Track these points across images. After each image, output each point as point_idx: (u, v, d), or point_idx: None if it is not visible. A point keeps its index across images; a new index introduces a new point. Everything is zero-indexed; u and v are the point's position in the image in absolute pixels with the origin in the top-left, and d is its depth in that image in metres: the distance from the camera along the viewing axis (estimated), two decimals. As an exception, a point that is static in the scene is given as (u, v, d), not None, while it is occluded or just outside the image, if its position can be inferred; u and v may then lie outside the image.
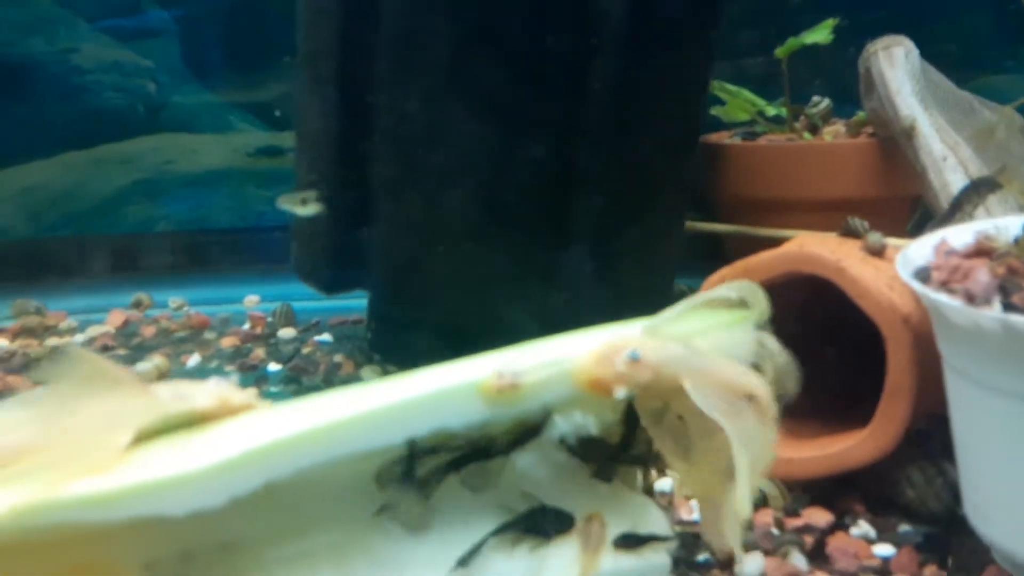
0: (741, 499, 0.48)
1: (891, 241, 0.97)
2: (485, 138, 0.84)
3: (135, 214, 1.29)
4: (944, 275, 0.64)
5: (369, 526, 0.51)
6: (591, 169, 0.87)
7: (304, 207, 0.90)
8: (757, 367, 0.51)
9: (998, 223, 0.69)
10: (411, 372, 0.51)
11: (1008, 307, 0.56)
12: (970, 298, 0.59)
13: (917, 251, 0.68)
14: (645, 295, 0.95)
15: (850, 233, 1.01)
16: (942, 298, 0.59)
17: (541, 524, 0.52)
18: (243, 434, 0.46)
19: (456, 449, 0.49)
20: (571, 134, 0.86)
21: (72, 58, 1.24)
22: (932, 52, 1.17)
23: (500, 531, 0.51)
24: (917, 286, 0.62)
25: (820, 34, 1.01)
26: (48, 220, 1.27)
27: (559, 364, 0.49)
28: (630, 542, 0.54)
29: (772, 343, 0.52)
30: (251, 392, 0.48)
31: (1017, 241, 0.63)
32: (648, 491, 0.57)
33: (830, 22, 1.02)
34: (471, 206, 0.85)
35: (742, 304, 0.52)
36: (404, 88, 0.85)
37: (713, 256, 1.04)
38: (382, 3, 0.85)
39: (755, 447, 0.50)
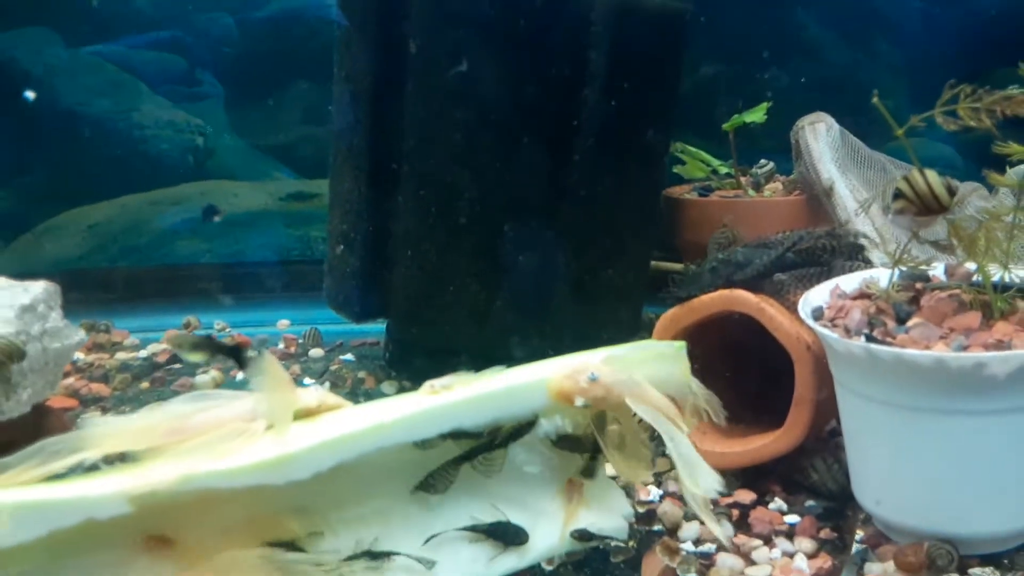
0: (686, 479, 0.69)
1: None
2: (486, 202, 1.05)
3: (184, 248, 1.51)
4: (832, 313, 0.85)
5: (408, 499, 0.72)
6: (574, 224, 1.09)
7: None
8: (678, 393, 0.73)
9: (878, 273, 0.91)
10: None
11: (870, 338, 0.77)
12: (847, 331, 0.81)
13: (817, 293, 0.90)
14: (618, 323, 1.16)
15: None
16: (826, 331, 0.81)
17: (502, 534, 0.73)
18: (326, 427, 0.67)
19: (474, 438, 0.71)
20: (557, 197, 1.08)
21: (134, 116, 1.46)
22: (856, 118, 1.40)
23: (469, 529, 0.72)
24: (810, 322, 0.83)
25: (756, 115, 1.24)
26: (111, 252, 1.48)
27: (538, 378, 0.71)
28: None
29: (693, 381, 0.74)
30: (338, 397, 0.70)
31: (886, 288, 0.85)
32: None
33: (764, 105, 1.25)
34: (474, 254, 1.07)
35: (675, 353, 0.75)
36: (421, 160, 1.06)
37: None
38: (404, 92, 1.07)
39: (675, 444, 0.72)
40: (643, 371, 0.73)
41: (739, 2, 1.51)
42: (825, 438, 1.00)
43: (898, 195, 0.80)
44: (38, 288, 0.92)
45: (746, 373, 1.01)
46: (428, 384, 0.71)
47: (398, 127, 1.08)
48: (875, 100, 0.76)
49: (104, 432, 0.65)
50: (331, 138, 1.17)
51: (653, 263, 1.27)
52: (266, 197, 1.54)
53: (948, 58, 1.51)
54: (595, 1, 1.03)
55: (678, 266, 1.36)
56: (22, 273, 1.44)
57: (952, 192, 0.76)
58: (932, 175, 0.77)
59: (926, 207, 0.77)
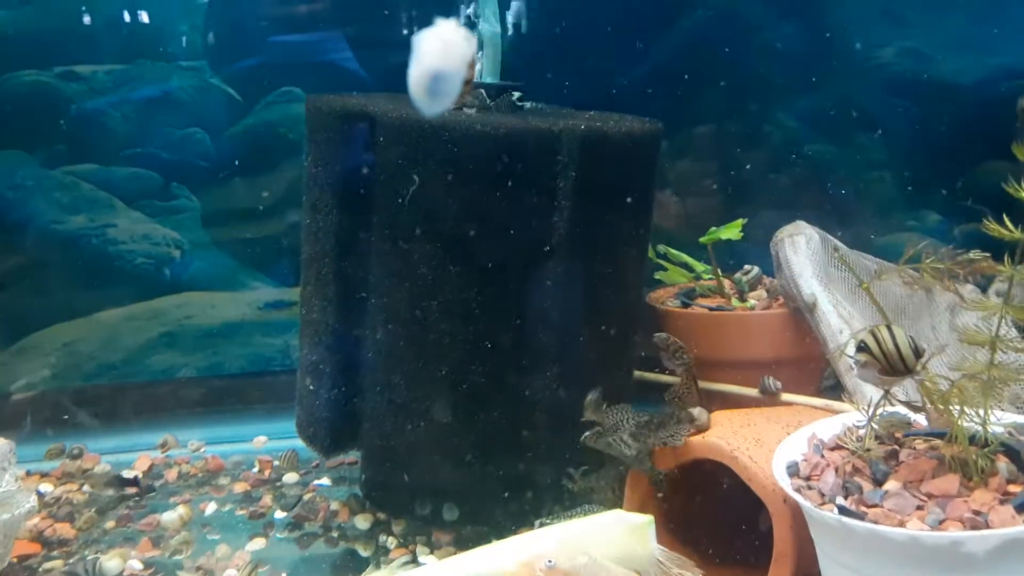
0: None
1: (791, 397, 1.17)
2: (458, 334, 1.02)
3: (160, 362, 1.49)
4: (808, 469, 0.82)
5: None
6: (548, 354, 1.06)
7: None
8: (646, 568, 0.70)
9: (856, 416, 0.87)
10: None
11: (843, 510, 0.74)
12: (821, 495, 0.78)
13: (793, 444, 0.87)
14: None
15: (765, 391, 1.21)
16: (800, 498, 0.77)
17: None
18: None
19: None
20: (531, 327, 1.05)
21: (109, 232, 1.45)
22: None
23: None
24: (785, 483, 0.80)
25: (732, 231, 1.21)
26: (86, 370, 1.46)
27: (494, 570, 0.68)
28: None
29: (661, 552, 0.71)
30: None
31: (861, 444, 0.82)
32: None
33: (739, 222, 1.23)
34: (445, 390, 1.04)
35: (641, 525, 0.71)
36: (389, 293, 1.04)
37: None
38: (371, 223, 1.05)
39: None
40: (606, 549, 0.70)
41: (719, 101, 1.50)
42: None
43: (862, 348, 0.77)
44: (-10, 448, 0.89)
45: (734, 501, 0.98)
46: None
47: (366, 258, 1.07)
48: (864, 287, 0.74)
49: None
50: (301, 266, 1.15)
51: (637, 373, 1.25)
52: (244, 307, 1.52)
53: (937, 152, 1.50)
54: (561, 134, 1.01)
55: (660, 377, 1.34)
56: None
57: (919, 355, 0.73)
58: (900, 334, 0.74)
59: (891, 367, 0.74)
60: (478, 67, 1.14)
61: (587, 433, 0.95)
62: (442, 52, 0.56)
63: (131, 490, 1.24)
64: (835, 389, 1.20)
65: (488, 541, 1.06)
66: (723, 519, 1.01)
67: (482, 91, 1.11)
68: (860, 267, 1.28)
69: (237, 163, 1.48)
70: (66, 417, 1.43)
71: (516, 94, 1.12)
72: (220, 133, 1.48)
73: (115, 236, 1.45)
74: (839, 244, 1.25)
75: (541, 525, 0.86)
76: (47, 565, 1.05)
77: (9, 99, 1.42)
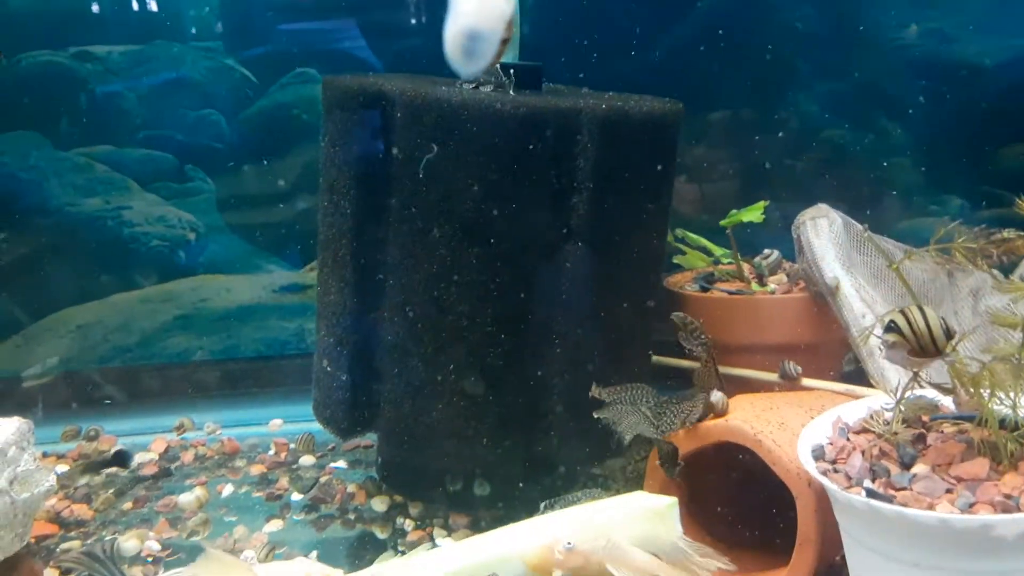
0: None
1: (812, 382, 1.15)
2: (476, 316, 1.02)
3: (175, 345, 1.48)
4: (834, 452, 0.81)
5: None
6: (567, 336, 1.05)
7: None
8: (668, 552, 0.69)
9: (883, 399, 0.86)
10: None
11: (871, 493, 0.72)
12: (848, 478, 0.77)
13: (818, 428, 0.86)
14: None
15: (785, 376, 1.20)
16: (826, 481, 0.76)
17: None
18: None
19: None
20: (548, 308, 1.04)
21: (124, 214, 1.45)
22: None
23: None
24: (811, 467, 0.79)
25: (753, 214, 1.20)
26: (100, 352, 1.46)
27: (514, 552, 0.67)
28: None
29: (682, 539, 0.70)
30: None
31: (889, 426, 0.81)
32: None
33: (761, 204, 1.21)
34: (463, 370, 1.03)
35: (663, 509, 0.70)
36: (407, 275, 1.03)
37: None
38: (389, 204, 1.04)
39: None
40: (627, 531, 0.69)
41: (741, 83, 1.48)
42: (838, 566, 0.95)
43: (892, 328, 0.76)
44: (10, 428, 0.89)
45: (754, 486, 0.97)
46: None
47: (384, 240, 1.06)
48: (894, 268, 0.72)
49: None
50: (318, 247, 1.14)
51: (655, 358, 1.24)
52: (259, 290, 1.51)
53: (960, 135, 1.47)
54: (582, 114, 1.00)
55: (679, 362, 1.33)
56: (11, 376, 1.45)
57: (950, 336, 0.72)
58: (932, 315, 0.73)
59: (921, 348, 0.73)
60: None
61: (602, 394, 0.93)
62: (479, 10, 0.54)
63: (113, 470, 1.24)
64: (856, 374, 1.19)
65: (505, 523, 1.07)
66: (745, 503, 1.00)
67: (498, 69, 1.09)
68: (883, 249, 1.26)
69: (252, 145, 1.47)
70: (80, 400, 1.43)
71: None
72: (235, 115, 1.47)
73: (130, 218, 1.45)
74: (862, 228, 1.24)
75: (547, 508, 0.85)
76: (64, 545, 1.05)
77: (24, 80, 1.42)
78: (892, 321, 0.75)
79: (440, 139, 0.99)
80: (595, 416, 0.93)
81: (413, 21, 1.40)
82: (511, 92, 1.06)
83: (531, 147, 1.00)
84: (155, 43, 1.45)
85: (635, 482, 1.00)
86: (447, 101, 0.99)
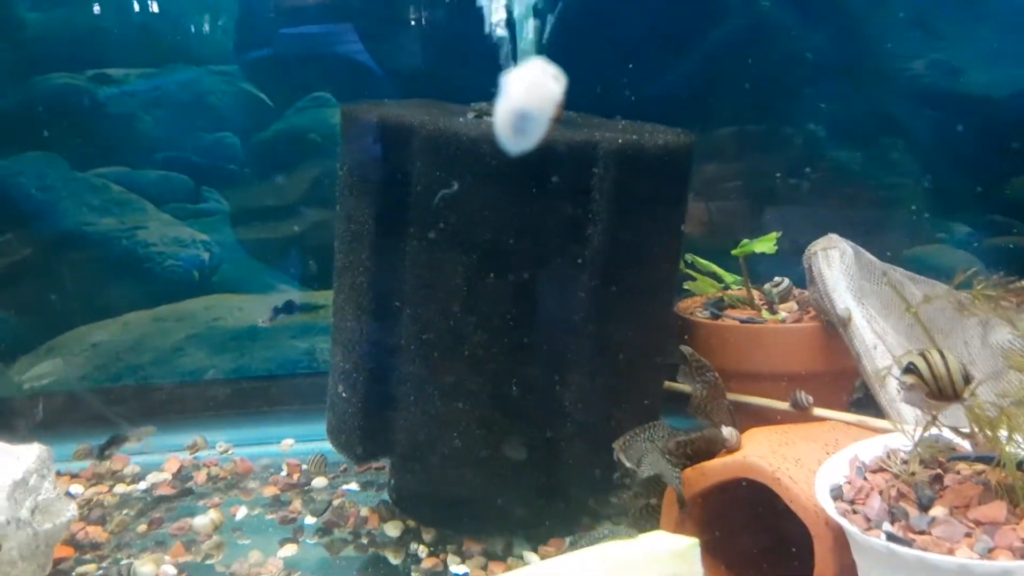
0: None
1: (823, 412, 1.16)
2: (492, 345, 1.02)
3: (188, 364, 1.49)
4: (852, 494, 0.82)
5: None
6: (581, 365, 1.06)
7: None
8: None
9: (900, 439, 0.87)
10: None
11: (891, 537, 0.73)
12: (867, 520, 0.78)
13: (834, 467, 0.86)
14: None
15: (796, 405, 1.20)
16: (846, 522, 0.77)
17: None
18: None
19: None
20: (564, 339, 1.05)
21: (138, 234, 1.46)
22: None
23: None
24: (830, 507, 0.80)
25: (766, 245, 1.21)
26: (114, 371, 1.47)
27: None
28: None
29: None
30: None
31: (906, 466, 0.81)
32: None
33: (773, 235, 1.22)
34: (480, 400, 1.04)
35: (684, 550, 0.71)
36: (423, 304, 1.04)
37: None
38: (406, 233, 1.05)
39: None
40: (648, 571, 0.70)
41: (750, 111, 1.50)
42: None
43: (911, 370, 0.77)
44: (31, 456, 0.89)
45: (766, 520, 0.98)
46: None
47: (400, 268, 1.07)
48: (912, 312, 0.73)
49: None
50: (334, 274, 1.15)
51: (666, 384, 1.25)
52: (271, 309, 1.52)
53: (968, 164, 1.49)
54: (598, 147, 1.01)
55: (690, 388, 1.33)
56: (24, 394, 1.46)
57: (968, 381, 0.73)
58: (952, 359, 0.74)
59: (940, 390, 0.74)
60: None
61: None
62: (529, 91, 0.56)
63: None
64: (865, 400, 1.20)
65: (520, 551, 1.08)
66: (759, 540, 1.01)
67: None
68: (892, 278, 1.28)
69: (267, 168, 1.48)
70: (93, 418, 1.44)
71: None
72: (250, 137, 1.49)
73: (145, 238, 1.46)
74: (873, 258, 1.25)
75: (572, 544, 0.86)
76: (80, 569, 1.06)
77: (41, 101, 1.43)
78: (911, 363, 0.76)
79: (458, 171, 1.00)
80: (616, 459, 0.94)
81: (428, 49, 1.42)
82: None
83: (548, 179, 1.01)
84: (172, 65, 1.46)
85: (648, 515, 1.00)
86: (464, 133, 1.00)
